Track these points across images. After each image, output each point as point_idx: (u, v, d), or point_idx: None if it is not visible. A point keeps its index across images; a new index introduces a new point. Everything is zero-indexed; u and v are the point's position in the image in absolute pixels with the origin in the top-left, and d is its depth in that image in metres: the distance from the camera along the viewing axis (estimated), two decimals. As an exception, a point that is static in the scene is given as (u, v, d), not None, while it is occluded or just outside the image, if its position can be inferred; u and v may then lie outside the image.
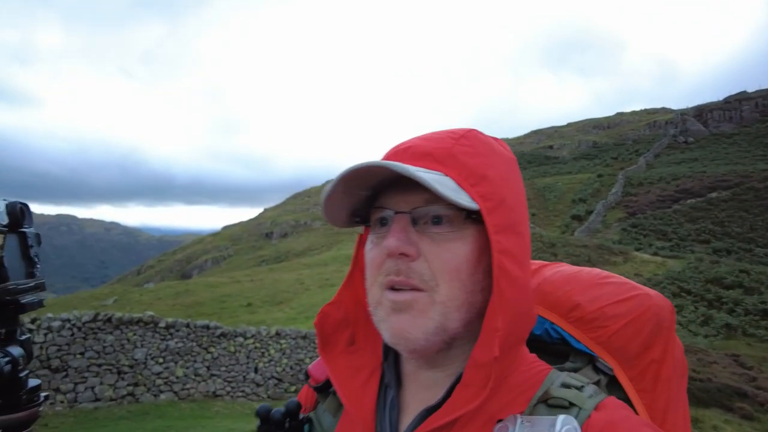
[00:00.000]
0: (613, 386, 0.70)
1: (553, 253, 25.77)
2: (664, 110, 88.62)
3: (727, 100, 72.32)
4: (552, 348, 0.76)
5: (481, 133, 0.65)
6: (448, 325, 0.58)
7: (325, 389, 0.73)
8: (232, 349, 10.71)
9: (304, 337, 12.18)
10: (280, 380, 11.53)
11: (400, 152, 0.62)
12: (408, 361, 0.65)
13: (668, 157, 60.02)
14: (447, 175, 0.58)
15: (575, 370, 0.71)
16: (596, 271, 0.83)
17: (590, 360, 0.73)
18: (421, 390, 0.64)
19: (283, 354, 11.70)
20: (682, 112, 74.79)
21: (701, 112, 72.54)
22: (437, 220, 0.59)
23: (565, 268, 0.85)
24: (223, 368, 10.51)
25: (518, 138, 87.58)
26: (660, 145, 65.83)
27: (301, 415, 0.72)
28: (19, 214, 0.81)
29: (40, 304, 0.80)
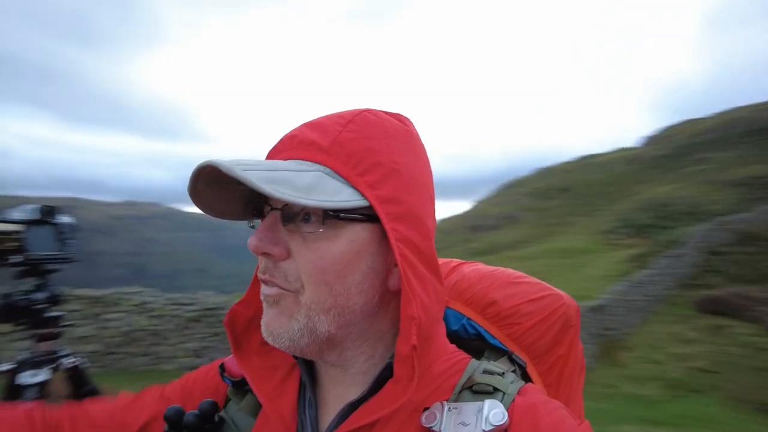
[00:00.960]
0: (524, 380, 0.68)
1: None
2: None
3: None
4: (468, 343, 0.75)
5: (374, 114, 0.60)
6: (317, 328, 0.56)
7: (241, 386, 0.70)
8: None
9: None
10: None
11: (287, 141, 0.59)
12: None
13: None
14: (328, 166, 0.55)
15: None
16: (510, 270, 0.85)
17: (505, 355, 0.74)
18: (336, 386, 0.63)
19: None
20: None
21: None
22: (307, 218, 0.54)
23: (482, 266, 0.87)
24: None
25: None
26: None
27: (217, 416, 0.68)
28: (44, 212, 1.35)
29: (62, 263, 1.40)
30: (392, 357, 0.58)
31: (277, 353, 0.68)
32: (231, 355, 0.70)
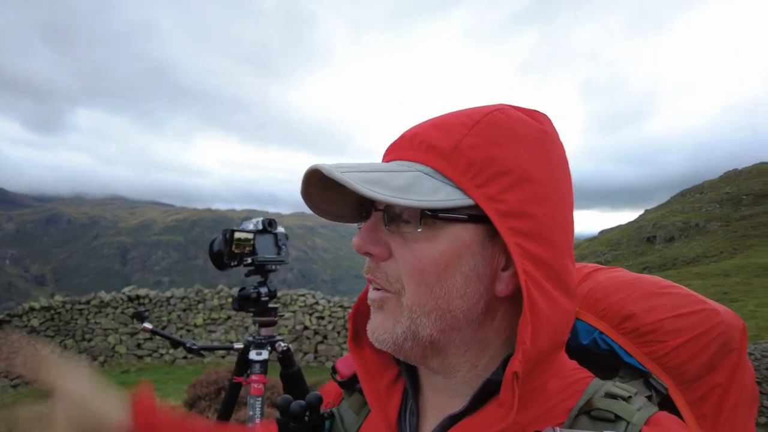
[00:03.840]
0: (665, 408, 0.61)
1: None
2: None
3: None
4: (600, 360, 0.69)
5: (505, 113, 0.55)
6: (420, 332, 0.54)
7: (350, 385, 0.69)
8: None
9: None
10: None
11: (407, 139, 0.57)
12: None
13: None
14: (447, 176, 0.52)
15: None
16: (656, 279, 0.75)
17: (642, 377, 0.66)
18: (437, 395, 0.60)
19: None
20: None
21: None
22: (406, 219, 0.54)
23: (622, 273, 0.78)
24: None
25: None
26: None
27: (323, 410, 0.69)
28: (267, 224, 1.78)
29: (279, 265, 1.81)
30: (494, 373, 0.55)
31: (390, 354, 0.63)
32: (343, 357, 0.73)
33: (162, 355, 11.57)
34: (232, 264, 1.73)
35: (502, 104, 0.58)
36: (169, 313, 11.91)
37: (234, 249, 1.70)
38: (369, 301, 0.59)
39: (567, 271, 0.55)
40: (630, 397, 0.53)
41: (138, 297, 12.05)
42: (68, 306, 11.78)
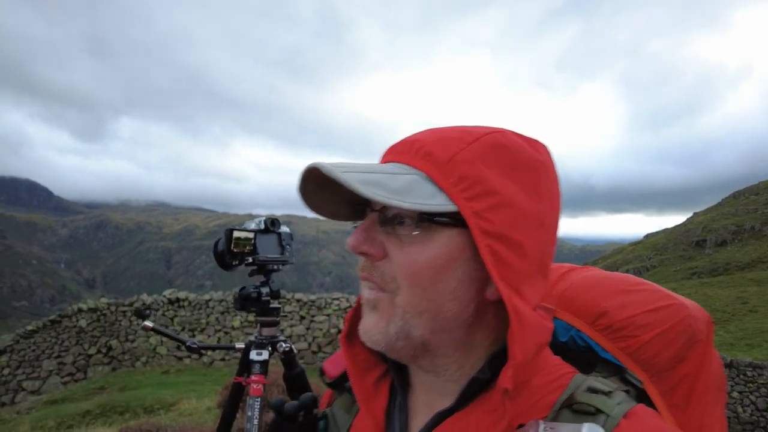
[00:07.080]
0: (642, 400, 0.62)
1: None
2: None
3: None
4: (578, 357, 0.70)
5: (506, 137, 0.57)
6: (412, 332, 0.55)
7: (339, 385, 0.71)
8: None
9: (728, 365, 11.16)
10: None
11: (407, 143, 0.58)
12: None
13: None
14: (438, 184, 0.53)
15: None
16: (627, 276, 0.77)
17: (618, 371, 0.67)
18: (426, 392, 0.62)
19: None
20: None
21: None
22: (402, 221, 0.55)
23: (595, 272, 0.80)
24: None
25: None
26: None
27: (317, 411, 0.70)
28: (270, 223, 1.71)
29: (282, 265, 1.77)
30: (480, 371, 0.57)
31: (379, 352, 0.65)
32: (329, 357, 0.74)
33: (200, 356, 11.90)
34: (234, 263, 1.72)
35: (504, 128, 0.59)
36: (208, 316, 12.25)
37: (233, 248, 1.69)
38: (363, 301, 0.60)
39: (540, 296, 0.58)
40: (611, 392, 0.55)
41: (178, 300, 12.46)
42: (113, 308, 12.32)
